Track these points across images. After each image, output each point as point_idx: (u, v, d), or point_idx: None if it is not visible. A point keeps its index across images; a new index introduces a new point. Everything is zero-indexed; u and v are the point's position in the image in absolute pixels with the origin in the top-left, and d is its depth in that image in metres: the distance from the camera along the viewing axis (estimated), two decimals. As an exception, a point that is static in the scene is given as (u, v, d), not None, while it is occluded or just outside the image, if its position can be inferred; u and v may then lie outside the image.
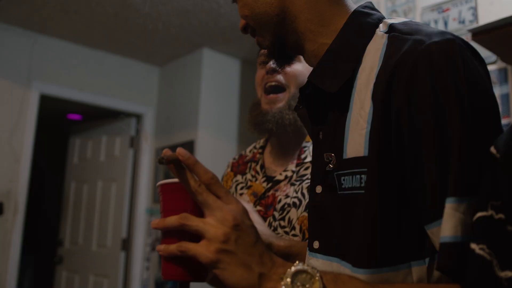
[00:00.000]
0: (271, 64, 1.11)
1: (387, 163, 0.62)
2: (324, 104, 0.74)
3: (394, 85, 0.61)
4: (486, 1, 1.78)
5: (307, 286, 0.57)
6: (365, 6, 0.77)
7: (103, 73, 3.98)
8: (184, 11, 3.26)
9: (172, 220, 0.62)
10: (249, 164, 1.29)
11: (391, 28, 0.69)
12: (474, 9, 2.21)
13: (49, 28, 3.54)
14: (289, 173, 1.16)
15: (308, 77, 0.75)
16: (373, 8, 0.77)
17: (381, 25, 0.72)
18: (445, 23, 2.30)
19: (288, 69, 1.15)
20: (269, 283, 0.58)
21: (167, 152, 0.62)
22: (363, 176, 0.64)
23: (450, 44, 0.60)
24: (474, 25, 1.71)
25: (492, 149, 0.52)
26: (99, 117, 4.33)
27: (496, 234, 0.48)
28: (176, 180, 0.64)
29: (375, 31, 0.71)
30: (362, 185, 0.63)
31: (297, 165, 1.16)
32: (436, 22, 2.35)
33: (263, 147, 1.30)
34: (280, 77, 1.16)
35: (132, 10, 3.25)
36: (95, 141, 4.34)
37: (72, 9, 3.23)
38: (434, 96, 0.57)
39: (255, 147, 1.33)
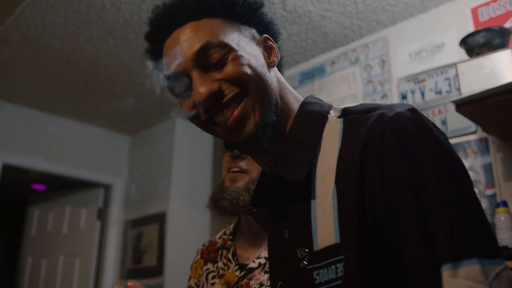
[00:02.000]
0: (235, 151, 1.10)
1: (364, 245, 0.56)
2: (286, 197, 0.71)
3: (365, 159, 0.59)
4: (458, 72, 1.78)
5: None
6: (312, 97, 0.77)
7: (71, 142, 3.83)
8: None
9: None
10: (220, 252, 1.23)
11: (345, 112, 0.69)
12: (450, 80, 2.21)
13: (15, 96, 3.43)
14: (262, 260, 1.11)
15: (270, 170, 0.73)
16: (318, 99, 0.78)
17: (331, 111, 0.72)
18: (422, 94, 2.29)
19: None
20: None
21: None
22: (338, 265, 0.59)
23: (415, 112, 0.61)
24: (458, 96, 1.69)
25: None
26: (65, 187, 4.12)
27: None
28: None
29: (327, 117, 0.71)
30: (339, 275, 0.58)
31: None
32: (413, 92, 2.33)
33: (233, 233, 1.25)
34: (243, 164, 1.17)
35: (103, 79, 3.18)
36: (57, 212, 4.11)
37: (42, 77, 3.14)
38: (407, 162, 0.57)
39: (225, 233, 1.28)
